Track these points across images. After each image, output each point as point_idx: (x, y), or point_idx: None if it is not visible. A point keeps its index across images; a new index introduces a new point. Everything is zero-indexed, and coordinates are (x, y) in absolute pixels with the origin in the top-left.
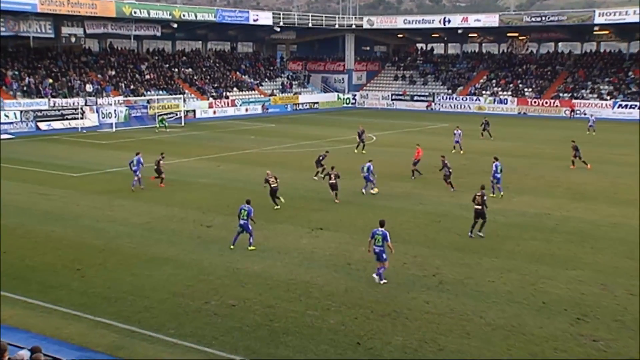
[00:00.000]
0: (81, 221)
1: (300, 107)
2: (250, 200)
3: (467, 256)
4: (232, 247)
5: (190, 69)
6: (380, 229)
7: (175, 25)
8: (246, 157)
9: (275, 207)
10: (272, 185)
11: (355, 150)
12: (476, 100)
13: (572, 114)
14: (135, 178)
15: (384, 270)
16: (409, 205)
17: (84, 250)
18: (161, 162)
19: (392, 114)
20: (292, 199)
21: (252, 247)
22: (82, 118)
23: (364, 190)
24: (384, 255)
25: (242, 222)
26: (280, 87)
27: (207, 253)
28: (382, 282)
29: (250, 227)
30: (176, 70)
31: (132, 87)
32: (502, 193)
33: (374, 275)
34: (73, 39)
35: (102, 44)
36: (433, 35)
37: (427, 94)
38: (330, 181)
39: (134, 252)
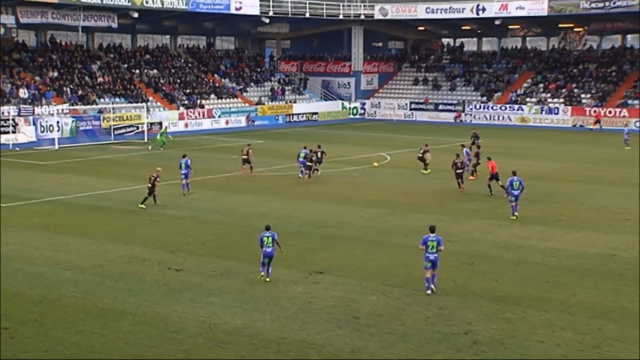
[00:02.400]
0: (12, 265)
1: (295, 118)
2: (270, 226)
3: (507, 308)
4: (267, 279)
5: (155, 70)
6: (432, 234)
7: (136, 15)
8: (226, 181)
9: None
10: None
11: (425, 172)
12: (518, 109)
13: None
14: (184, 182)
15: (437, 278)
16: None
17: (14, 303)
18: (250, 151)
19: (410, 127)
20: (284, 235)
21: (268, 279)
22: (14, 132)
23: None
24: (438, 262)
25: (268, 250)
26: (270, 93)
27: (176, 304)
28: (431, 289)
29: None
30: (137, 71)
31: (80, 92)
32: (516, 214)
33: (429, 290)
34: (2, 30)
35: (41, 37)
36: (463, 27)
37: (455, 102)
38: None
39: (80, 304)
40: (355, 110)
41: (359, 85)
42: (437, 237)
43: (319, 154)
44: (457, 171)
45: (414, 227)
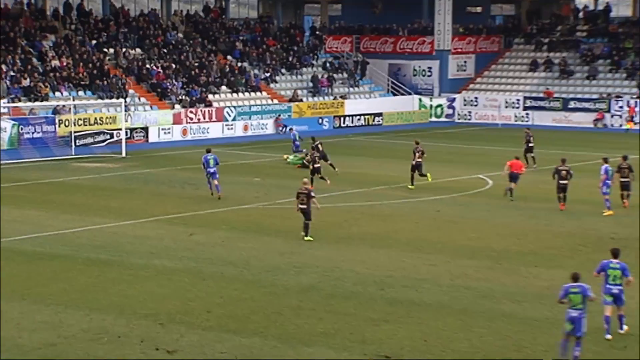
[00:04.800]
0: None
1: (348, 122)
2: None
3: None
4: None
5: (138, 50)
6: (614, 260)
7: None
8: (245, 217)
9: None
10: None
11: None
12: None
13: None
14: (215, 182)
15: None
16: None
17: None
18: (317, 153)
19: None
20: (331, 299)
21: None
22: None
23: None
24: (623, 296)
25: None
26: (310, 84)
27: None
28: (624, 328)
29: None
30: (111, 50)
31: (25, 83)
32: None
33: (608, 334)
34: None
35: None
36: None
37: (595, 96)
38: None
39: None
40: (439, 109)
41: (446, 73)
42: (622, 265)
43: (317, 148)
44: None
45: (530, 289)
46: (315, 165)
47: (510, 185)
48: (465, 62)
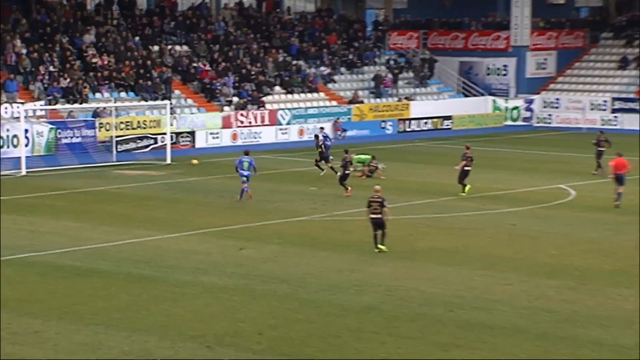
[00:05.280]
0: None
1: (414, 126)
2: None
3: None
4: None
5: (185, 47)
6: None
7: None
8: (298, 230)
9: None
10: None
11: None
12: None
13: None
14: (245, 186)
15: None
16: None
17: None
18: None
19: (613, 139)
20: (394, 319)
21: None
22: None
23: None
24: None
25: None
26: (372, 84)
27: None
28: None
29: None
30: (156, 47)
31: (63, 82)
32: None
33: None
34: None
35: None
36: None
37: None
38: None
39: None
40: (515, 112)
41: (523, 71)
42: None
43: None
44: None
45: (618, 313)
46: (346, 172)
47: (618, 189)
48: (545, 59)
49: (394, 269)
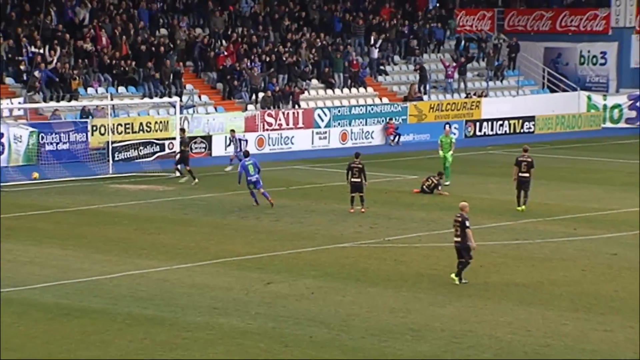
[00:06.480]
0: None
1: (486, 129)
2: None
3: None
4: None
5: (199, 29)
6: None
7: None
8: (340, 259)
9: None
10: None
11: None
12: None
13: None
14: (261, 190)
15: None
16: None
17: None
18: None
19: None
20: None
21: None
22: None
23: None
24: None
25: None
26: (434, 77)
27: None
28: None
29: None
30: (164, 31)
31: (47, 73)
32: None
33: None
34: None
35: None
36: None
37: None
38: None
39: None
40: (616, 111)
41: (627, 60)
42: None
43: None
44: None
45: None
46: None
47: None
48: None
49: (461, 309)
